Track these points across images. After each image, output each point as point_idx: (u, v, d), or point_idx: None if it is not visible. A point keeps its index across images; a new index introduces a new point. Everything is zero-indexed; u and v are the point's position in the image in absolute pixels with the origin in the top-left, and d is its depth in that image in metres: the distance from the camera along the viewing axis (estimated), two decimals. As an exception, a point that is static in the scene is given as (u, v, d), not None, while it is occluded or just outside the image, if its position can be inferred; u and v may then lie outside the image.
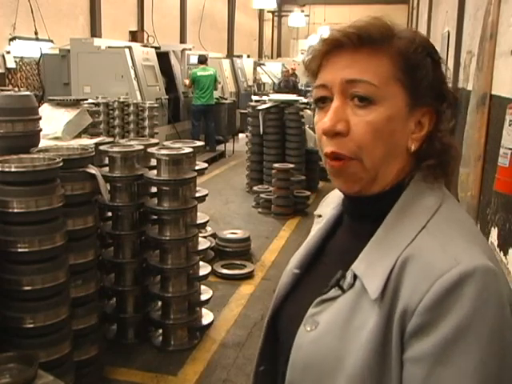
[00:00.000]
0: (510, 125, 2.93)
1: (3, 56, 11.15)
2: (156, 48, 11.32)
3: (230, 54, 18.57)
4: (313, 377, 0.90)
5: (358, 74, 0.88)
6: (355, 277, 0.89)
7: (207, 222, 4.12)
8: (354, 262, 0.91)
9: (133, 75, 9.64)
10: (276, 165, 7.14)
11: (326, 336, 0.89)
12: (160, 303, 3.88)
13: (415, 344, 0.80)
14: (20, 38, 11.45)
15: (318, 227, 1.10)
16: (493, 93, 4.05)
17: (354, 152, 0.89)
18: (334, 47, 0.90)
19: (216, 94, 11.86)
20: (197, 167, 4.05)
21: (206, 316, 4.14)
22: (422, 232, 0.86)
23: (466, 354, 0.77)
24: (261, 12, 28.97)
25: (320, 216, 1.13)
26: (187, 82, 11.27)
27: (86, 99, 6.22)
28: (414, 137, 0.91)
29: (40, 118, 3.33)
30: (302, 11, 27.70)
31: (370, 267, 0.88)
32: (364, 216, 0.98)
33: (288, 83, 15.90)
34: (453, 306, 0.77)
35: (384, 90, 0.88)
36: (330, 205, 1.11)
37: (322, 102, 0.94)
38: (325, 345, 0.88)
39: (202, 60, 11.53)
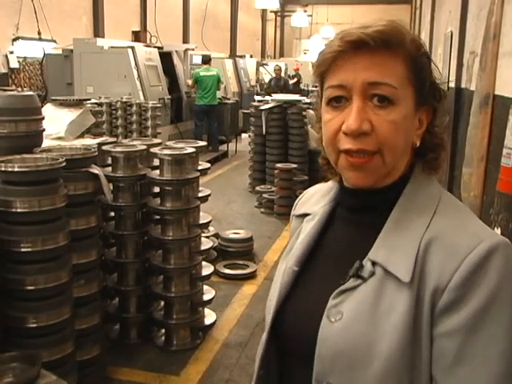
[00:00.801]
0: (513, 125, 2.92)
1: (6, 56, 11.18)
2: (159, 48, 11.34)
3: (233, 54, 18.57)
4: (343, 365, 0.92)
5: (380, 77, 0.93)
6: (374, 265, 0.94)
7: (210, 222, 4.12)
8: (365, 252, 0.96)
9: (136, 75, 9.65)
10: (279, 165, 7.14)
11: (354, 324, 0.92)
12: (163, 303, 3.88)
13: (446, 319, 0.87)
14: (23, 38, 11.48)
15: (310, 225, 1.12)
16: (496, 93, 4.04)
17: (377, 148, 0.94)
18: (353, 47, 0.93)
19: (219, 94, 11.88)
20: (199, 167, 4.05)
21: (209, 316, 4.14)
22: (435, 216, 0.94)
23: (497, 320, 0.84)
24: (264, 12, 28.99)
25: (307, 214, 1.16)
26: (190, 82, 11.29)
27: (89, 99, 6.23)
28: (417, 133, 0.99)
29: (43, 118, 3.34)
30: (305, 11, 27.71)
31: (391, 253, 0.93)
32: (367, 208, 1.03)
33: (279, 82, 15.05)
34: (482, 280, 0.85)
35: (401, 92, 0.94)
36: (318, 203, 1.15)
37: (336, 101, 0.97)
38: (354, 332, 0.92)
39: (206, 60, 11.60)
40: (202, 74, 11.25)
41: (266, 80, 17.52)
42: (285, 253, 1.17)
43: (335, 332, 0.93)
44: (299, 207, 1.23)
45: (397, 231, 0.95)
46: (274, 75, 15.72)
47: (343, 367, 0.92)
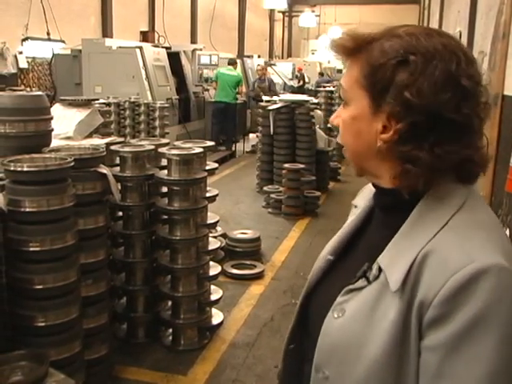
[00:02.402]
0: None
1: (16, 56, 11.24)
2: (167, 48, 11.36)
3: (241, 54, 18.57)
4: (337, 360, 0.99)
5: (342, 80, 1.04)
6: (380, 269, 0.96)
7: (217, 221, 4.12)
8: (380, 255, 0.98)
9: (144, 75, 9.67)
10: (286, 165, 7.13)
11: (352, 323, 0.97)
12: (170, 303, 3.89)
13: (431, 334, 0.87)
14: (32, 38, 11.53)
15: (352, 217, 1.19)
16: (505, 93, 4.03)
17: (341, 143, 1.06)
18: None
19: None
20: (207, 167, 4.06)
21: (216, 316, 4.14)
22: (443, 228, 0.92)
23: (480, 342, 0.83)
24: (271, 12, 28.96)
25: (356, 206, 1.22)
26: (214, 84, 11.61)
27: (97, 99, 6.24)
28: (381, 137, 0.97)
29: (52, 118, 3.35)
30: (313, 11, 27.66)
31: (393, 260, 0.95)
32: (391, 209, 1.04)
33: (262, 83, 13.72)
34: (467, 301, 0.84)
35: (351, 94, 1.01)
36: (365, 197, 1.18)
37: None
38: (350, 331, 0.97)
39: (231, 62, 11.91)
40: (222, 71, 11.52)
41: (274, 80, 17.50)
42: None
43: (335, 327, 0.99)
44: (356, 198, 1.28)
45: (405, 239, 0.96)
46: (282, 76, 15.63)
47: (337, 362, 0.99)
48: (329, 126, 10.44)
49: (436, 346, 0.86)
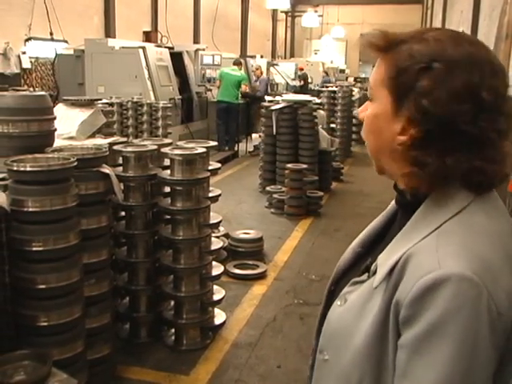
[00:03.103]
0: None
1: (19, 56, 11.26)
2: (170, 48, 11.37)
3: (244, 55, 18.58)
4: (334, 345, 1.06)
5: (370, 77, 1.07)
6: (377, 265, 1.01)
7: (220, 222, 4.12)
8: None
9: (146, 75, 9.68)
10: (289, 165, 7.13)
11: (348, 313, 1.03)
12: (173, 303, 3.89)
13: (403, 333, 0.91)
14: (35, 38, 11.56)
15: (383, 213, 1.23)
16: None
17: (363, 137, 1.09)
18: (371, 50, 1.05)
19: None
20: (210, 167, 4.06)
21: (219, 316, 4.14)
22: (433, 232, 0.94)
23: (437, 349, 0.86)
24: (274, 12, 28.94)
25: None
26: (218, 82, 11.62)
27: (100, 99, 6.24)
28: (399, 138, 0.99)
29: (55, 118, 3.35)
30: (316, 11, 27.67)
31: (386, 259, 0.99)
32: (405, 208, 1.07)
33: (256, 82, 13.49)
34: (428, 306, 0.87)
35: (376, 92, 1.03)
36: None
37: None
38: (345, 320, 1.03)
39: (236, 62, 11.96)
40: (225, 71, 11.54)
41: (277, 80, 17.49)
42: None
43: (336, 314, 1.07)
44: None
45: (402, 239, 0.99)
46: (285, 77, 15.61)
47: (334, 346, 1.06)
48: (332, 126, 10.45)
49: (403, 345, 0.90)
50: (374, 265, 1.01)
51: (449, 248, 0.90)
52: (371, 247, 1.17)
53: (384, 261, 0.98)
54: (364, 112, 1.07)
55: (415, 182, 0.98)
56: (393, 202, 1.18)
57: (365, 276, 1.04)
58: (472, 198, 0.96)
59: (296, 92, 14.21)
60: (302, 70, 19.32)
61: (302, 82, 18.19)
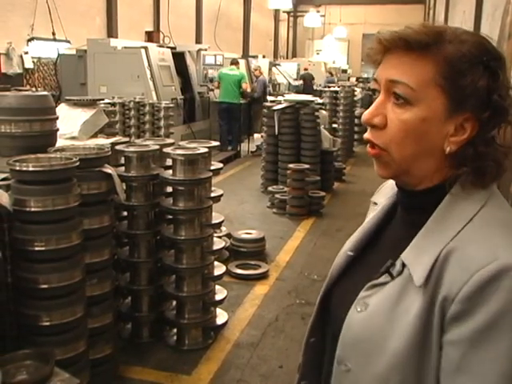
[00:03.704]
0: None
1: (21, 56, 11.28)
2: (172, 48, 11.38)
3: (246, 55, 18.57)
4: (360, 353, 1.00)
5: (399, 76, 0.96)
6: (403, 265, 0.97)
7: (222, 222, 4.11)
8: (403, 251, 0.99)
9: (149, 75, 9.68)
10: (291, 165, 7.12)
11: (375, 317, 0.98)
12: (175, 303, 3.89)
13: (453, 329, 0.89)
14: (38, 38, 11.58)
15: (373, 214, 1.19)
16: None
17: (385, 144, 0.98)
18: (388, 47, 0.98)
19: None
20: (212, 167, 4.06)
21: (221, 316, 4.14)
22: (467, 226, 0.94)
23: (498, 342, 0.84)
24: (276, 12, 28.96)
25: (375, 204, 1.21)
26: (216, 83, 11.65)
27: (103, 99, 6.25)
28: (452, 140, 0.96)
29: (57, 118, 3.36)
30: (318, 11, 27.67)
31: (417, 256, 0.96)
32: (415, 208, 1.05)
33: (255, 83, 13.28)
34: (489, 298, 0.85)
35: (421, 93, 0.94)
36: (386, 194, 1.19)
37: (374, 93, 1.03)
38: (373, 324, 0.98)
39: (234, 62, 11.95)
40: (224, 71, 11.57)
41: (279, 80, 17.48)
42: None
43: (358, 321, 1.01)
44: (375, 195, 1.27)
45: (429, 236, 0.97)
46: (287, 77, 15.59)
47: (360, 354, 1.00)
48: (334, 126, 10.44)
49: (457, 340, 0.88)
50: (398, 265, 0.98)
51: (497, 239, 0.90)
52: (363, 250, 1.15)
53: (414, 259, 0.96)
54: (380, 117, 0.98)
55: (477, 179, 0.97)
56: (382, 204, 1.17)
57: (385, 278, 0.99)
58: (490, 189, 0.98)
59: (298, 92, 14.18)
60: (306, 70, 19.30)
61: (302, 82, 18.11)
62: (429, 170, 0.99)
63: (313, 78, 18.48)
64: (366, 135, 1.01)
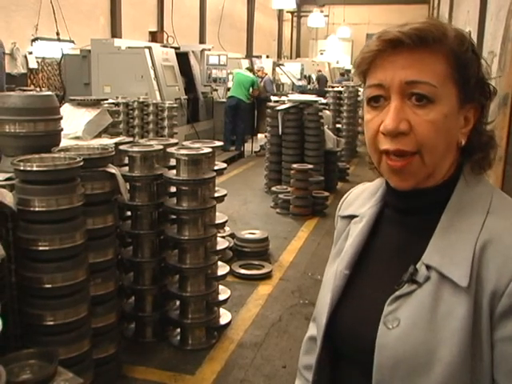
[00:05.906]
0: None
1: (25, 56, 11.30)
2: (175, 48, 11.39)
3: (249, 55, 18.60)
4: (403, 373, 0.91)
5: (418, 75, 0.91)
6: (428, 268, 0.92)
7: (226, 222, 4.12)
8: (417, 256, 0.94)
9: (152, 75, 9.70)
10: (294, 165, 7.12)
11: (412, 331, 0.90)
12: (178, 302, 3.89)
13: (506, 323, 0.85)
14: (42, 38, 11.60)
15: (358, 228, 1.10)
16: (515, 93, 3.99)
17: (416, 149, 0.92)
18: (391, 46, 0.92)
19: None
20: (216, 167, 4.06)
21: (224, 316, 4.14)
22: (488, 216, 0.91)
23: None
24: (280, 12, 28.95)
25: (355, 216, 1.13)
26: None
27: (106, 99, 6.26)
28: (463, 131, 0.96)
29: (61, 118, 3.36)
30: (322, 11, 27.63)
31: (446, 257, 0.91)
32: (417, 210, 1.00)
33: (260, 83, 13.21)
34: None
35: (441, 90, 0.91)
36: (366, 204, 1.12)
37: (375, 101, 0.96)
38: (413, 339, 0.90)
39: (249, 69, 12.46)
40: (239, 71, 11.88)
41: (283, 81, 17.48)
42: (332, 255, 1.16)
43: (394, 339, 0.92)
44: (345, 208, 1.20)
45: (450, 233, 0.93)
46: (291, 77, 15.60)
47: (403, 375, 0.91)
48: (337, 126, 10.42)
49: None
50: (423, 270, 0.92)
51: None
52: (357, 266, 1.07)
53: (443, 260, 0.91)
54: (402, 122, 0.92)
55: (483, 165, 0.98)
56: (367, 214, 1.10)
57: (409, 286, 0.93)
58: (484, 177, 0.99)
59: (302, 92, 14.16)
60: (319, 72, 19.46)
61: (317, 83, 18.25)
62: (446, 166, 0.97)
63: (327, 80, 18.55)
64: (389, 146, 0.93)
